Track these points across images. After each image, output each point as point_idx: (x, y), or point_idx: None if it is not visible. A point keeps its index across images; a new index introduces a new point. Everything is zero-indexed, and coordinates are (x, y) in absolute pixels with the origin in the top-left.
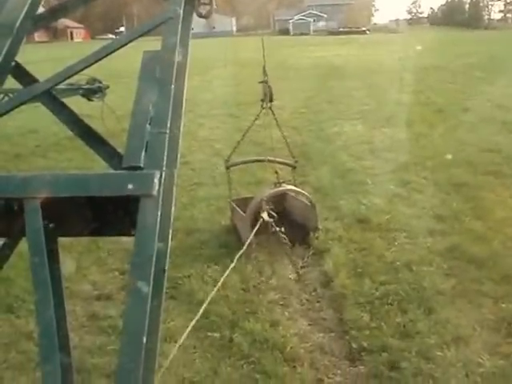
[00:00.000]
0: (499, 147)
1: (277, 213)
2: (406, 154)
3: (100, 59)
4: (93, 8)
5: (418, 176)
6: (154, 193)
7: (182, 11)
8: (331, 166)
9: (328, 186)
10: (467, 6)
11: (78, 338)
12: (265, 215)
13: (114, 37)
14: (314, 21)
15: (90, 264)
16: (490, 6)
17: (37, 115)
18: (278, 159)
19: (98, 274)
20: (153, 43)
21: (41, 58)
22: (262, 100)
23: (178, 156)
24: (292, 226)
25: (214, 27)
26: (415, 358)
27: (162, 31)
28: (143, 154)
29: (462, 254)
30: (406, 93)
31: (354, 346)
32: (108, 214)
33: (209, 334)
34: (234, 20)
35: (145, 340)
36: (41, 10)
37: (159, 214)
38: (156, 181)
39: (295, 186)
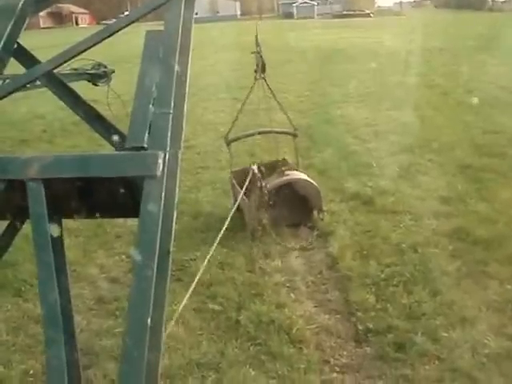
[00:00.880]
0: (504, 129)
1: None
2: (411, 137)
3: (102, 40)
4: None
5: (423, 158)
6: (158, 173)
7: None
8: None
9: (333, 168)
10: None
11: (86, 321)
12: (254, 167)
13: None
14: (318, 4)
15: (97, 248)
16: None
17: (43, 101)
18: (277, 129)
19: (104, 257)
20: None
21: (45, 43)
22: (255, 71)
23: (182, 136)
24: (296, 207)
25: (218, 11)
26: (421, 338)
27: (164, 11)
28: (147, 134)
29: (467, 236)
30: (410, 75)
31: (360, 327)
32: (112, 195)
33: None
34: (237, 4)
35: (149, 322)
36: None
37: (163, 195)
38: (160, 161)
39: (297, 158)
